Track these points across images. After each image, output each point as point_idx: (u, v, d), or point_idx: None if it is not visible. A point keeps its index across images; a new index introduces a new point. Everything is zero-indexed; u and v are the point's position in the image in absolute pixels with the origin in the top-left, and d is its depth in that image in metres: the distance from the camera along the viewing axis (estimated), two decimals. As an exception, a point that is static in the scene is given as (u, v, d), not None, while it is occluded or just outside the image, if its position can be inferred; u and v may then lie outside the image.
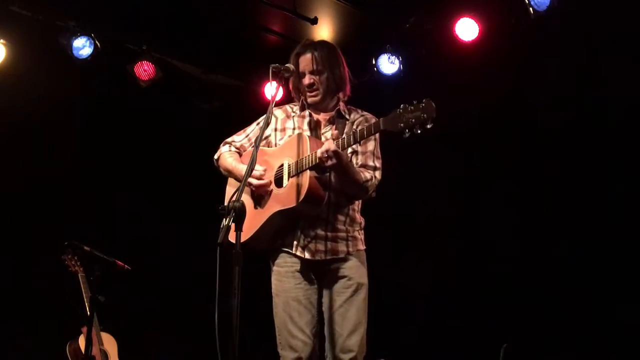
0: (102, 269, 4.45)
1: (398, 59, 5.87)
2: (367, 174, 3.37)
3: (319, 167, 3.25)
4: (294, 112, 3.61)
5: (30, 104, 5.71)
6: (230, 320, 2.78)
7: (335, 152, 3.16)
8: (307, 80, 3.51)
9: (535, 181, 5.45)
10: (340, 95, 3.59)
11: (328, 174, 3.32)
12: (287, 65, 3.44)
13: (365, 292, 3.41)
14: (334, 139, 3.22)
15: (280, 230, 3.44)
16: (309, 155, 3.26)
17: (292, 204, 3.29)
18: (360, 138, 3.19)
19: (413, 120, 3.00)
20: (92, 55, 5.59)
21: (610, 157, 5.03)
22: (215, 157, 3.73)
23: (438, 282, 5.76)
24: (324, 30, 5.97)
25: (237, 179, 3.58)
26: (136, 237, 6.07)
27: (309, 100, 3.54)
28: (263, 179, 3.43)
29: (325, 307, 3.42)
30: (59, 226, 5.64)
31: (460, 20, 5.49)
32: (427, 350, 5.68)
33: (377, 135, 3.42)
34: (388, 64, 5.90)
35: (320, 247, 3.38)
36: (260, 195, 3.48)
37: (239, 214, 2.90)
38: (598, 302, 4.90)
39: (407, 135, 3.02)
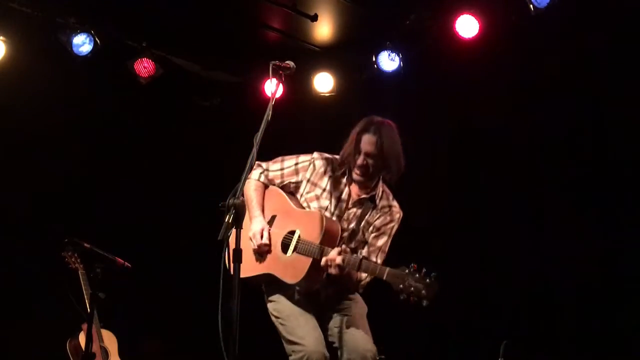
0: (103, 266, 4.45)
1: (398, 55, 5.86)
2: (363, 275, 3.46)
3: (320, 264, 3.36)
4: (333, 173, 3.63)
5: (30, 101, 5.70)
6: (231, 318, 2.78)
7: (337, 266, 3.29)
8: (360, 160, 3.52)
9: (535, 179, 5.45)
10: (383, 177, 3.63)
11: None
12: (287, 62, 3.43)
13: (365, 314, 3.60)
14: (342, 253, 3.30)
15: (275, 286, 3.56)
16: (317, 246, 3.38)
17: (289, 280, 3.46)
18: (364, 270, 3.31)
19: (412, 290, 3.08)
20: (92, 52, 5.59)
21: (609, 155, 5.03)
22: (247, 177, 3.68)
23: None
24: (324, 27, 5.97)
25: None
26: (136, 234, 6.07)
27: (354, 177, 3.57)
28: (265, 247, 3.52)
29: (333, 326, 3.54)
30: (60, 223, 5.64)
31: (461, 17, 5.48)
32: (427, 350, 5.69)
33: (393, 232, 3.58)
34: (388, 61, 5.89)
35: (319, 300, 3.55)
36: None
37: (239, 211, 2.91)
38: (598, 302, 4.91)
39: (401, 298, 3.11)
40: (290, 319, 3.50)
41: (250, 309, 3.27)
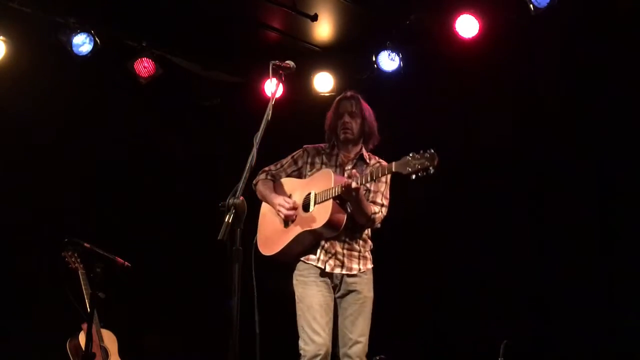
0: (103, 266, 4.45)
1: (398, 55, 5.86)
2: (375, 208, 3.94)
3: (340, 197, 3.80)
4: (324, 150, 4.15)
5: (29, 101, 5.70)
6: (231, 318, 2.79)
7: (355, 188, 3.70)
8: (345, 118, 4.06)
9: (535, 179, 5.45)
10: (366, 144, 4.12)
11: (347, 204, 3.84)
12: (287, 62, 3.45)
13: (371, 304, 3.99)
14: (354, 177, 3.75)
15: (305, 248, 3.97)
16: (332, 188, 3.81)
17: (317, 225, 3.83)
18: (375, 177, 3.74)
19: (419, 166, 3.53)
20: (91, 52, 5.59)
21: (609, 152, 5.04)
22: (254, 182, 4.20)
23: (437, 282, 5.77)
24: (324, 27, 5.97)
25: (269, 204, 4.10)
26: (136, 234, 6.07)
27: (342, 136, 4.06)
28: (291, 211, 3.96)
29: (339, 314, 3.96)
30: (60, 223, 5.64)
31: (461, 17, 5.49)
32: (427, 350, 5.69)
33: (389, 179, 4.02)
34: (388, 61, 5.89)
35: (338, 262, 3.94)
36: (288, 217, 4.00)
37: (239, 211, 2.91)
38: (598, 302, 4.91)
39: (413, 177, 3.54)
40: (311, 310, 3.87)
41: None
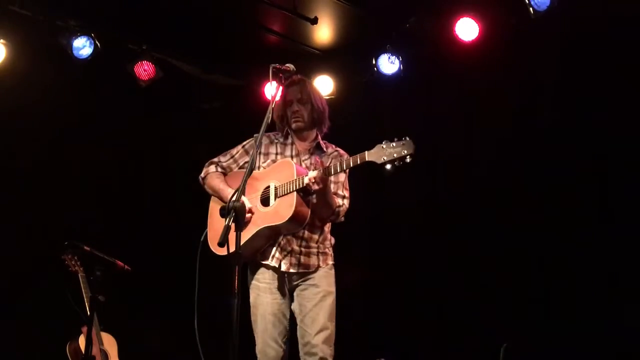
0: (103, 269, 4.45)
1: (398, 58, 5.86)
2: (339, 201, 3.77)
3: (304, 190, 3.57)
4: (277, 139, 3.95)
5: (30, 104, 5.70)
6: (230, 321, 2.79)
7: (322, 179, 3.51)
8: (294, 107, 3.88)
9: (535, 180, 5.45)
10: (319, 130, 3.96)
11: (311, 197, 3.64)
12: (287, 65, 3.46)
13: (333, 299, 3.79)
14: (319, 168, 3.59)
15: (261, 246, 3.77)
16: (296, 179, 3.57)
17: (280, 220, 3.59)
18: (346, 167, 3.53)
19: (394, 155, 3.35)
20: (92, 55, 5.59)
21: (610, 157, 5.04)
22: (202, 175, 3.98)
23: (438, 284, 5.77)
24: (324, 30, 5.97)
25: (221, 199, 3.85)
26: (136, 237, 6.07)
27: (294, 125, 3.89)
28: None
29: (296, 313, 3.80)
30: (60, 226, 5.64)
31: (461, 20, 5.48)
32: (427, 353, 5.69)
33: (347, 170, 3.75)
34: (388, 64, 5.89)
35: (294, 261, 3.76)
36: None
37: (239, 214, 2.92)
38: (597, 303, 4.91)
39: (388, 167, 3.39)
40: (263, 321, 3.74)
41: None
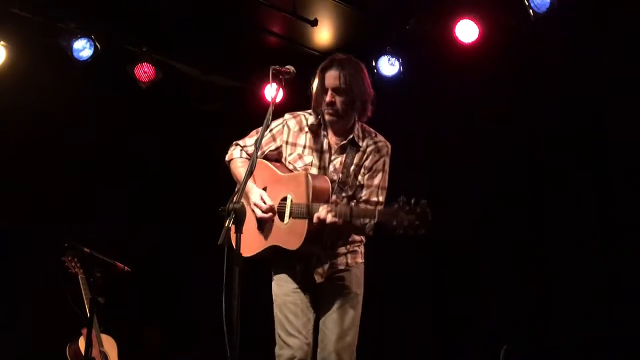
0: (102, 271, 4.45)
1: (398, 60, 5.86)
2: (366, 220, 3.34)
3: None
4: (308, 125, 3.61)
5: (30, 106, 5.71)
6: (230, 321, 2.79)
7: (331, 223, 3.23)
8: (328, 97, 3.50)
9: (535, 180, 5.45)
10: (360, 116, 3.58)
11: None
12: (287, 66, 3.44)
13: (359, 301, 3.56)
14: (330, 208, 3.25)
15: (280, 256, 3.51)
16: (307, 205, 3.33)
17: (291, 246, 3.40)
18: (356, 216, 3.25)
19: (406, 223, 3.08)
20: (92, 56, 5.60)
21: (610, 158, 5.04)
22: (227, 158, 3.73)
23: (438, 286, 5.77)
24: (324, 32, 5.97)
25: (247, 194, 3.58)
26: (136, 238, 6.07)
27: (327, 118, 3.55)
28: (268, 213, 3.46)
29: (320, 312, 3.54)
30: (60, 228, 5.64)
31: (461, 21, 5.48)
32: (427, 355, 5.68)
33: (387, 166, 3.52)
34: (388, 66, 5.89)
35: (320, 270, 3.49)
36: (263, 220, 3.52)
37: (239, 216, 2.92)
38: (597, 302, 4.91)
39: (398, 233, 3.10)
40: (283, 310, 3.50)
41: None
